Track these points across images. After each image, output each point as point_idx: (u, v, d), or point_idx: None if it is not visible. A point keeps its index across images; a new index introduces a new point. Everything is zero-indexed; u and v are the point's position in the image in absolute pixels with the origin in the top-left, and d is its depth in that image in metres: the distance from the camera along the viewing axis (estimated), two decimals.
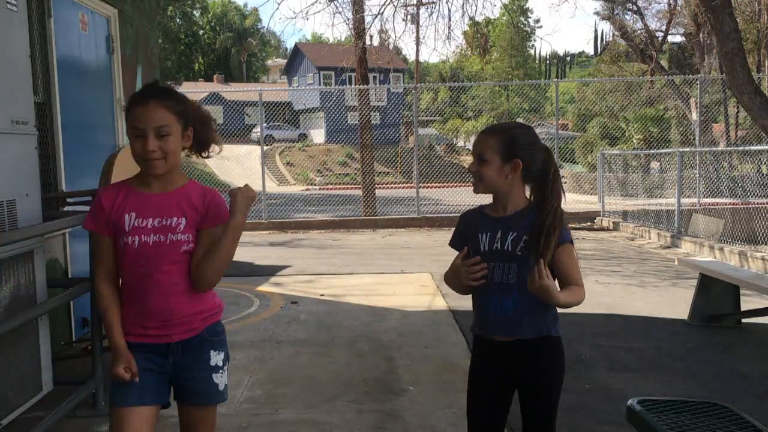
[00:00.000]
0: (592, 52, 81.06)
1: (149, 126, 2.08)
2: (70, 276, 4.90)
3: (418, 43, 32.42)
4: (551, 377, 2.27)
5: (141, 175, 2.19)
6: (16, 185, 3.24)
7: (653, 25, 25.78)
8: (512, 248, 2.22)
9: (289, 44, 68.65)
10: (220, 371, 2.26)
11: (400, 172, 26.09)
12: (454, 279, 2.34)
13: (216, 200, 2.20)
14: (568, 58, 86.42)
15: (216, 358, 2.25)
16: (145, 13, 6.71)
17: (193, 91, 29.62)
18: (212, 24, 63.41)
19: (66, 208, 4.43)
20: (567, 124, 33.46)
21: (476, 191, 2.34)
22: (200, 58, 63.04)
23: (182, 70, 55.23)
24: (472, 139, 34.37)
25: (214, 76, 52.33)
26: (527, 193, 2.33)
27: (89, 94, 5.46)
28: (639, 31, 25.39)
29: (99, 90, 5.66)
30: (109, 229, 2.15)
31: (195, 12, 59.63)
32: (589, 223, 13.16)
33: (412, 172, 14.80)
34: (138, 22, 6.41)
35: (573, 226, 12.80)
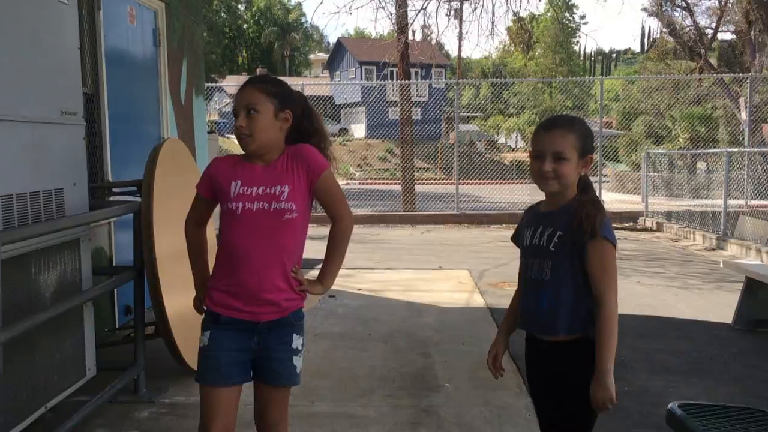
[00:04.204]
0: (638, 49, 79.58)
1: (240, 105, 2.27)
2: (114, 264, 5.01)
3: (460, 38, 32.28)
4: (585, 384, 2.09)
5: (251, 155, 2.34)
6: (65, 174, 3.32)
7: (703, 21, 25.14)
8: (547, 243, 2.15)
9: (332, 39, 68.93)
10: (299, 355, 2.37)
11: (440, 168, 26.00)
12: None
13: (301, 151, 2.32)
14: (614, 55, 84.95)
15: (297, 341, 2.35)
16: (191, 6, 6.81)
17: (236, 84, 29.92)
18: (256, 18, 63.97)
19: (111, 198, 4.53)
20: (611, 122, 32.90)
21: (549, 190, 2.18)
22: (244, 52, 63.64)
23: (226, 63, 55.81)
24: (514, 136, 34.11)
25: (257, 69, 52.82)
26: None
27: (136, 86, 5.57)
28: (688, 28, 24.79)
29: (145, 82, 5.76)
30: (209, 192, 2.37)
31: (240, 6, 60.19)
32: (631, 223, 12.94)
33: (452, 168, 14.74)
34: (184, 15, 6.50)
35: (615, 225, 12.52)
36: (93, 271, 3.63)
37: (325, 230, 2.43)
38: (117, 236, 5.06)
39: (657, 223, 12.48)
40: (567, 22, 60.98)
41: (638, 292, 6.88)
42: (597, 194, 2.21)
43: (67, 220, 3.24)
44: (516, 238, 2.37)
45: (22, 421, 2.97)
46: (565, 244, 2.11)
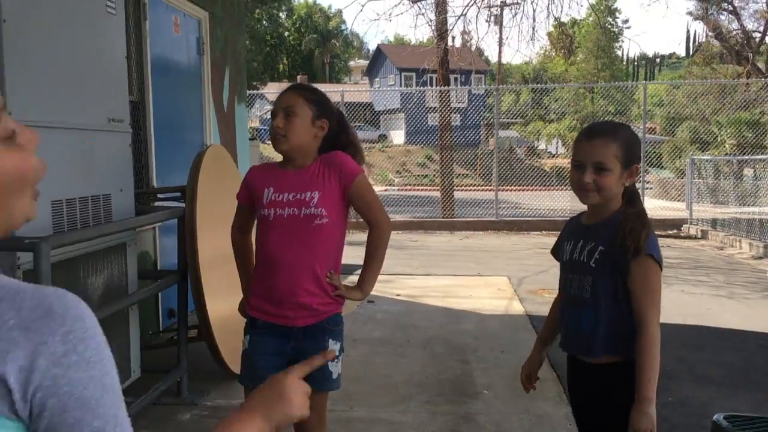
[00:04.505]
0: (683, 54, 78.14)
1: (279, 107, 2.33)
2: (159, 268, 5.11)
3: (500, 44, 32.10)
4: (626, 408, 1.94)
5: (284, 160, 2.41)
6: (112, 180, 3.41)
7: (750, 25, 24.62)
8: (587, 259, 2.03)
9: (372, 45, 69.28)
10: (336, 360, 2.39)
11: (480, 175, 25.87)
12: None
13: (334, 158, 2.36)
14: (658, 60, 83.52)
15: (333, 346, 2.37)
16: (234, 15, 6.92)
17: (277, 91, 30.23)
18: (297, 26, 64.64)
19: (156, 203, 4.63)
20: (655, 127, 32.34)
21: (589, 202, 2.05)
22: (285, 59, 64.34)
23: (267, 70, 56.51)
24: (555, 142, 33.76)
25: (298, 76, 53.30)
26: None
27: (180, 94, 5.68)
28: (734, 32, 24.29)
29: (189, 90, 5.88)
30: (247, 200, 2.44)
31: (281, 14, 60.91)
32: (675, 231, 12.69)
33: (492, 174, 14.67)
34: (227, 24, 6.61)
35: (658, 233, 12.32)
36: (138, 274, 3.71)
37: (364, 236, 2.46)
38: (161, 241, 5.16)
39: (702, 230, 12.21)
40: (609, 26, 60.13)
41: (682, 301, 6.75)
42: (644, 207, 2.07)
43: (114, 225, 3.32)
44: (556, 252, 2.27)
45: None
46: (606, 261, 1.99)
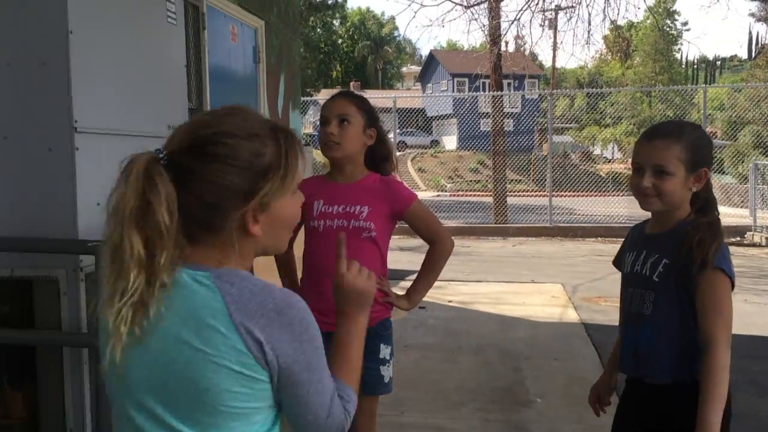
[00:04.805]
0: (745, 56, 75.79)
1: (332, 114, 2.36)
2: None
3: (555, 48, 31.70)
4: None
5: (332, 169, 2.45)
6: None
7: None
8: (650, 273, 1.88)
9: (424, 51, 69.25)
10: (387, 364, 2.42)
11: (533, 180, 25.57)
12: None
13: (389, 184, 2.41)
14: (719, 63, 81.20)
15: (384, 351, 2.41)
16: (289, 23, 7.03)
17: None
18: (350, 33, 65.20)
19: None
20: (716, 132, 31.44)
21: (650, 209, 1.91)
22: (338, 66, 64.96)
23: (321, 77, 57.17)
24: (611, 147, 33.14)
25: (351, 83, 53.77)
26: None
27: (236, 101, 5.76)
28: None
29: (245, 97, 5.99)
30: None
31: (335, 22, 61.54)
32: (738, 238, 12.29)
33: (545, 180, 14.50)
34: (282, 32, 6.72)
35: None
36: None
37: (415, 241, 2.48)
38: None
39: (766, 238, 11.80)
40: (668, 29, 58.79)
41: (745, 311, 6.53)
42: (718, 216, 1.88)
43: None
44: (618, 262, 2.12)
45: None
46: (671, 275, 1.83)
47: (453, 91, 41.72)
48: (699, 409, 1.74)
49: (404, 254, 10.56)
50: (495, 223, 13.82)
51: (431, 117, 43.09)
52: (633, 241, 2.04)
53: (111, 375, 1.15)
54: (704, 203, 1.88)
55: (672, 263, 1.83)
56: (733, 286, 1.83)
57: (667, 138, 1.85)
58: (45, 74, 2.76)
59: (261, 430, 1.15)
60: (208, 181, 1.11)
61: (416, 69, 62.73)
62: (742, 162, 22.11)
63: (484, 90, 27.47)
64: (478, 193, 22.93)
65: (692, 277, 1.78)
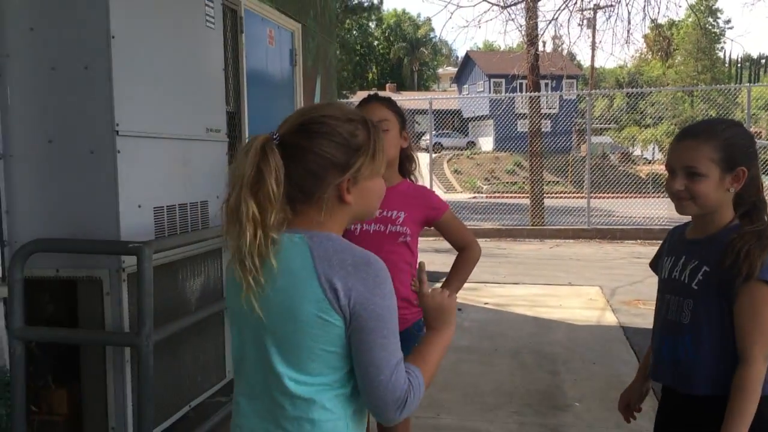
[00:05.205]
0: None
1: (372, 119, 2.41)
2: None
3: (593, 48, 31.31)
4: None
5: None
6: (209, 188, 3.56)
7: None
8: (689, 280, 1.80)
9: (460, 53, 69.08)
10: None
11: (571, 182, 25.29)
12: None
13: (424, 194, 2.50)
14: (763, 61, 79.25)
15: None
16: (325, 26, 7.08)
17: None
18: (386, 34, 65.31)
19: None
20: (760, 132, 30.69)
21: (685, 212, 1.83)
22: (374, 68, 65.12)
23: (356, 79, 57.40)
24: (651, 147, 32.62)
25: (387, 85, 53.85)
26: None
27: (273, 104, 5.85)
28: None
29: (282, 100, 6.04)
30: None
31: (371, 24, 61.73)
32: None
33: (584, 181, 14.32)
34: (319, 35, 6.77)
35: None
36: None
37: (443, 243, 2.51)
38: None
39: None
40: (710, 27, 57.60)
41: None
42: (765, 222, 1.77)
43: (211, 230, 3.46)
44: (655, 265, 2.04)
45: (170, 416, 3.20)
46: (711, 284, 1.75)
47: (489, 92, 41.50)
48: (723, 424, 1.69)
49: (439, 256, 10.54)
50: (532, 225, 13.70)
51: (467, 118, 42.93)
52: (672, 245, 1.96)
53: (239, 319, 1.39)
54: (751, 207, 1.79)
55: (713, 271, 1.76)
56: None
57: (697, 138, 1.78)
58: (88, 78, 2.83)
59: (334, 381, 1.32)
60: (313, 153, 1.33)
61: (452, 70, 62.55)
62: None
63: (521, 91, 27.30)
64: (515, 194, 22.76)
65: (735, 287, 1.71)
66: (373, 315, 1.28)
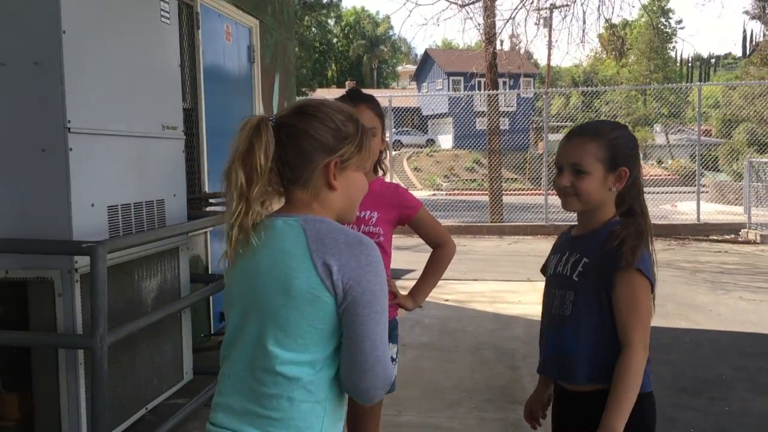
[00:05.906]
0: (739, 54, 75.99)
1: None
2: (210, 272, 5.20)
3: (550, 47, 31.72)
4: None
5: None
6: (165, 186, 3.49)
7: None
8: (570, 272, 1.84)
9: (420, 50, 69.29)
10: (393, 363, 2.48)
11: (529, 179, 25.61)
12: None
13: (397, 192, 2.47)
14: (713, 61, 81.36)
15: (391, 350, 2.41)
16: (284, 23, 7.02)
17: (327, 97, 30.49)
18: (345, 32, 65.16)
19: (208, 209, 4.71)
20: (710, 129, 31.51)
21: (569, 209, 1.89)
22: (333, 65, 64.93)
23: (316, 77, 57.14)
24: None
25: (346, 82, 53.75)
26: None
27: (231, 101, 5.78)
28: None
29: (240, 97, 5.97)
30: None
31: (330, 21, 61.48)
32: (732, 236, 12.32)
33: (541, 178, 14.50)
34: (277, 32, 6.71)
35: (715, 238, 12.06)
36: (190, 278, 3.78)
37: (413, 240, 2.49)
38: (212, 245, 5.25)
39: (761, 235, 11.83)
40: (662, 27, 58.84)
41: (740, 307, 6.54)
42: (647, 222, 1.84)
43: (167, 229, 3.40)
44: (545, 269, 2.03)
45: (126, 419, 3.14)
46: (590, 274, 1.79)
47: (448, 90, 41.73)
48: (604, 412, 1.70)
49: (401, 253, 10.57)
50: (491, 222, 13.82)
51: (427, 116, 43.11)
52: (559, 244, 2.01)
53: (236, 300, 1.45)
54: (630, 208, 1.86)
55: (592, 262, 1.80)
56: (653, 291, 1.78)
57: (585, 136, 1.84)
58: (38, 74, 2.75)
59: (318, 360, 1.37)
60: (306, 133, 1.43)
61: (411, 68, 62.71)
62: (737, 160, 22.17)
63: (479, 89, 27.49)
64: (474, 191, 22.95)
65: (613, 276, 1.75)
66: (367, 290, 1.35)
